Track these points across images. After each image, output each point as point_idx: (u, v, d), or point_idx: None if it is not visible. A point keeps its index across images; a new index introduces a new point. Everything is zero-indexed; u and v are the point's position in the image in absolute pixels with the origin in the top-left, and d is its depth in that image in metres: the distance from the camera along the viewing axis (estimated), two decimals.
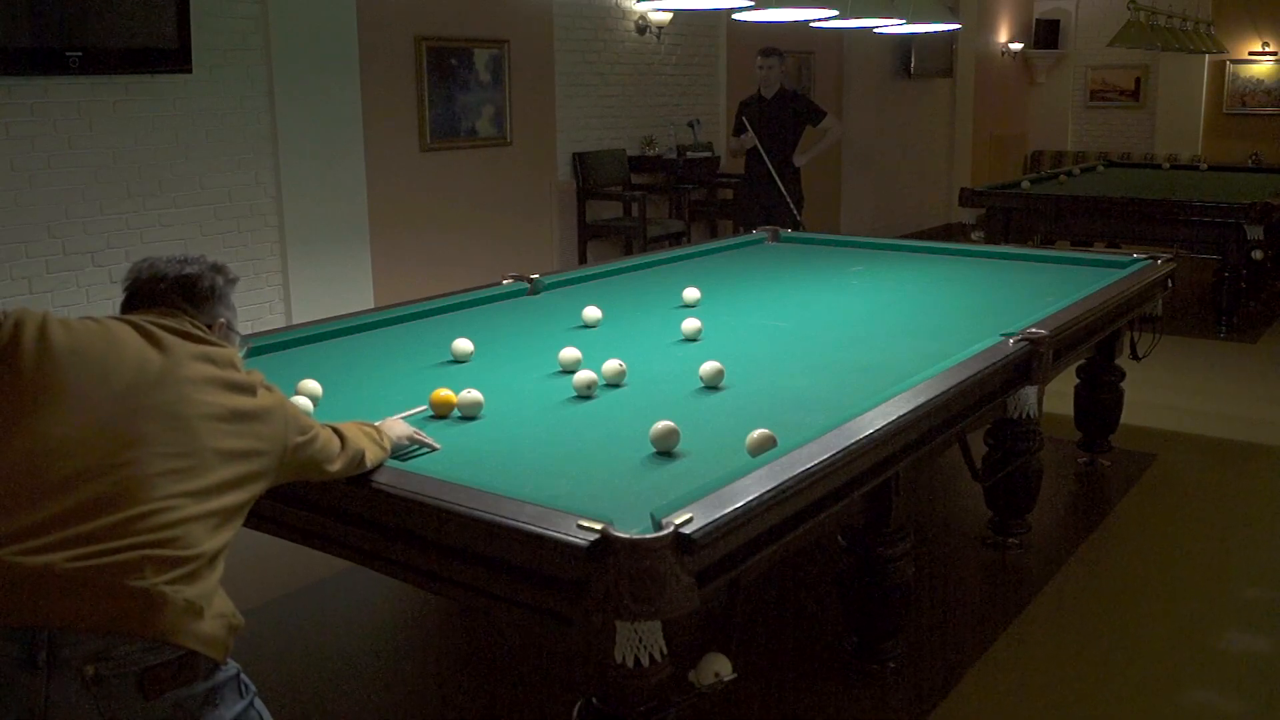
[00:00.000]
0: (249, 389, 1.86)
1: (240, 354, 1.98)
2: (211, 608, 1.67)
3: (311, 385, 2.81)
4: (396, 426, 2.37)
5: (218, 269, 2.01)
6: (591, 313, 3.62)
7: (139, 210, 4.81)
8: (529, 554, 1.94)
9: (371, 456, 2.18)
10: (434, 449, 2.40)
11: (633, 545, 1.81)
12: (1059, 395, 4.38)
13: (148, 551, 1.60)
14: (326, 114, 5.57)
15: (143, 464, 1.65)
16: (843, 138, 8.69)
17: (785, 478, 2.13)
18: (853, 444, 2.34)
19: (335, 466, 2.07)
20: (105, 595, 1.55)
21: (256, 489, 1.85)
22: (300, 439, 1.95)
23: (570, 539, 1.85)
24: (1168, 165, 9.94)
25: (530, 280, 4.16)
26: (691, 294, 3.92)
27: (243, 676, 1.74)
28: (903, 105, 11.06)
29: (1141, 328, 4.43)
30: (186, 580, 1.64)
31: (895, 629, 2.97)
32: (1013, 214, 7.41)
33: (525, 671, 3.10)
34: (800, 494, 2.17)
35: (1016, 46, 12.69)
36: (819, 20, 5.42)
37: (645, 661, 1.86)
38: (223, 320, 2.00)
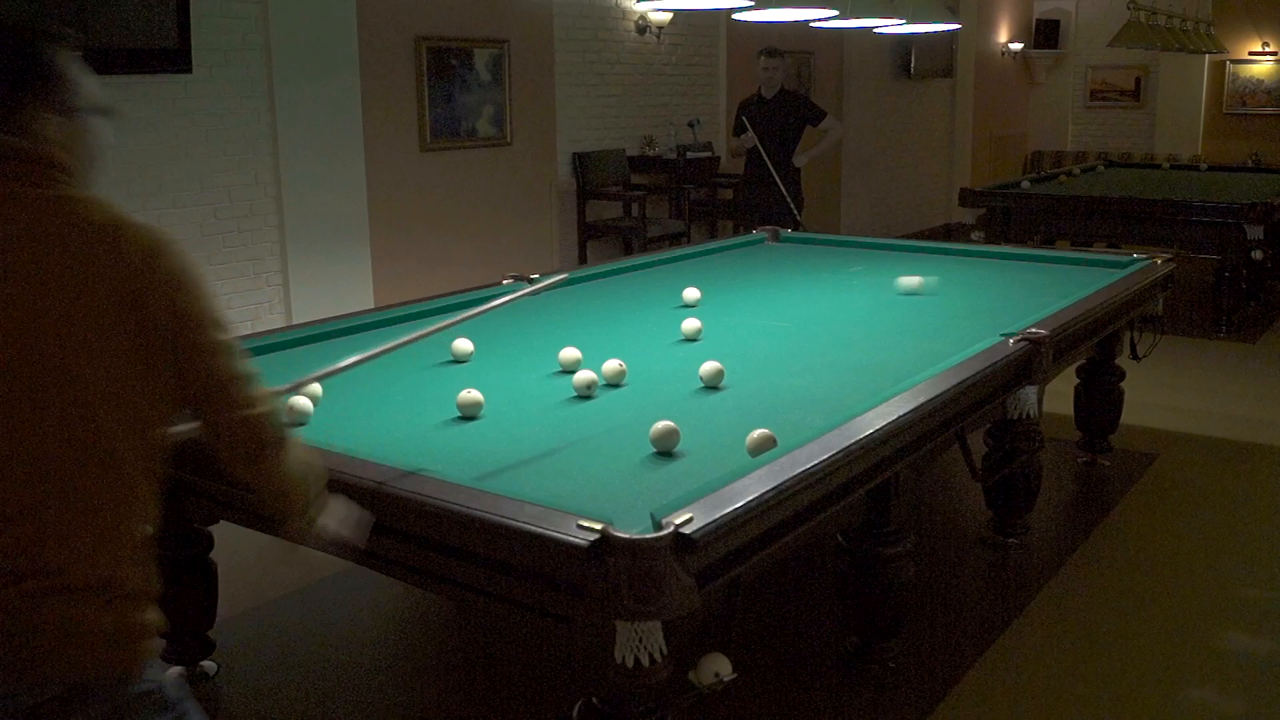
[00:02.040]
0: None
1: None
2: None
3: (312, 385, 2.81)
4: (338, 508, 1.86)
5: None
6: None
7: (139, 210, 4.80)
8: (529, 554, 1.94)
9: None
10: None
11: (633, 545, 1.81)
12: (1059, 395, 4.38)
13: None
14: (326, 114, 5.57)
15: None
16: (843, 138, 8.69)
17: (785, 478, 2.13)
18: (853, 444, 2.34)
19: None
20: None
21: None
22: None
23: (570, 539, 1.85)
24: (1168, 165, 9.94)
25: (530, 280, 4.15)
26: (691, 294, 3.92)
27: (166, 690, 1.52)
28: (903, 105, 11.06)
29: (1142, 328, 4.43)
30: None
31: (895, 629, 2.97)
32: (1013, 214, 7.41)
33: (525, 671, 3.10)
34: (800, 494, 2.17)
35: (1016, 46, 12.69)
36: (819, 20, 5.42)
37: (645, 661, 1.86)
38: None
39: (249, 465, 1.60)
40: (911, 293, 2.84)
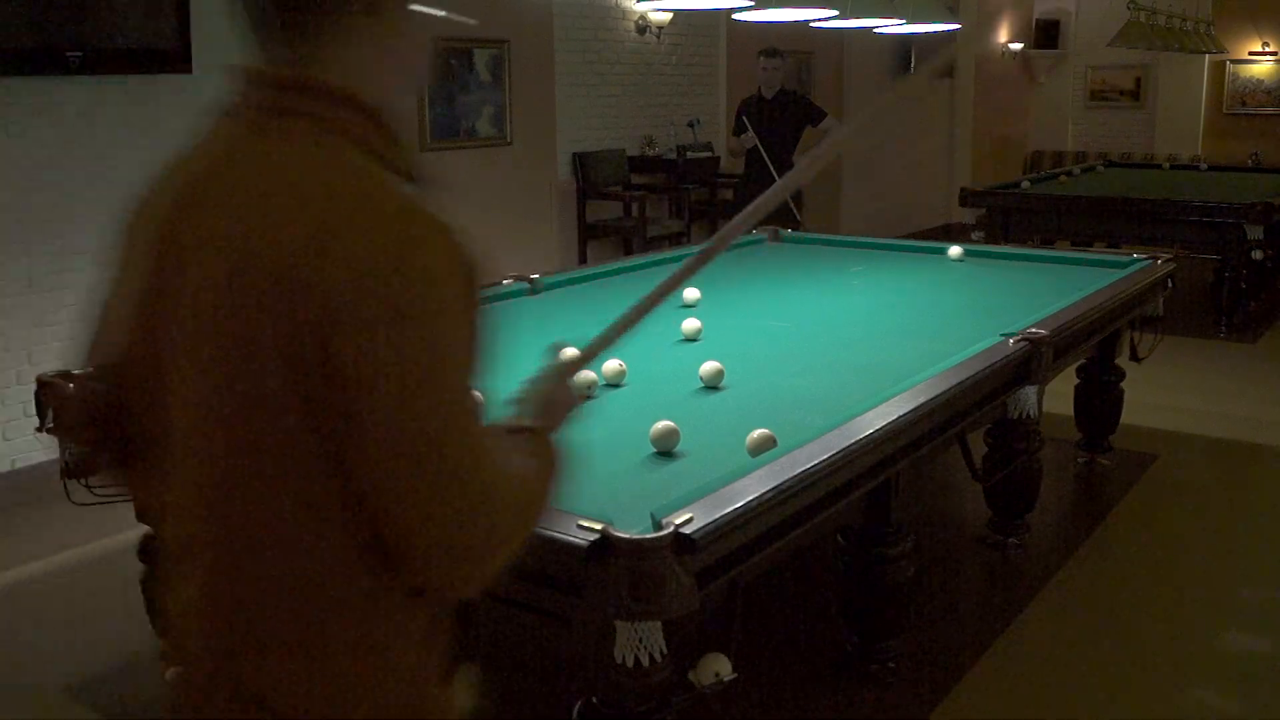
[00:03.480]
0: None
1: None
2: None
3: None
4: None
5: None
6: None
7: None
8: (529, 554, 1.94)
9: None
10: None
11: (633, 545, 1.81)
12: (1059, 395, 4.38)
13: None
14: None
15: None
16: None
17: (785, 478, 2.13)
18: (853, 444, 2.34)
19: None
20: None
21: None
22: None
23: (570, 539, 1.85)
24: (1168, 165, 9.94)
25: (530, 280, 4.15)
26: (691, 294, 3.92)
27: None
28: (903, 105, 11.05)
29: (1142, 328, 4.43)
30: None
31: (895, 629, 2.97)
32: (1013, 214, 7.41)
33: (525, 671, 3.10)
34: (800, 494, 2.17)
35: (1016, 46, 12.69)
36: (819, 20, 5.42)
37: (645, 661, 1.86)
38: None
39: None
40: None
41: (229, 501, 1.09)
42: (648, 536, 1.82)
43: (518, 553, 1.17)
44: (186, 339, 1.10)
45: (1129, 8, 8.88)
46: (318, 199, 1.04)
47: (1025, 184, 8.06)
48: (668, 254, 5.11)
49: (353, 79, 1.13)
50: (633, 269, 4.66)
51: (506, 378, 3.19)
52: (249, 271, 1.04)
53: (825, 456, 2.24)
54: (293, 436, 1.04)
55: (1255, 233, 6.69)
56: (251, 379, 1.04)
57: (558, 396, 1.40)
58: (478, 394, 1.15)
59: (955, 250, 4.94)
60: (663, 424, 2.42)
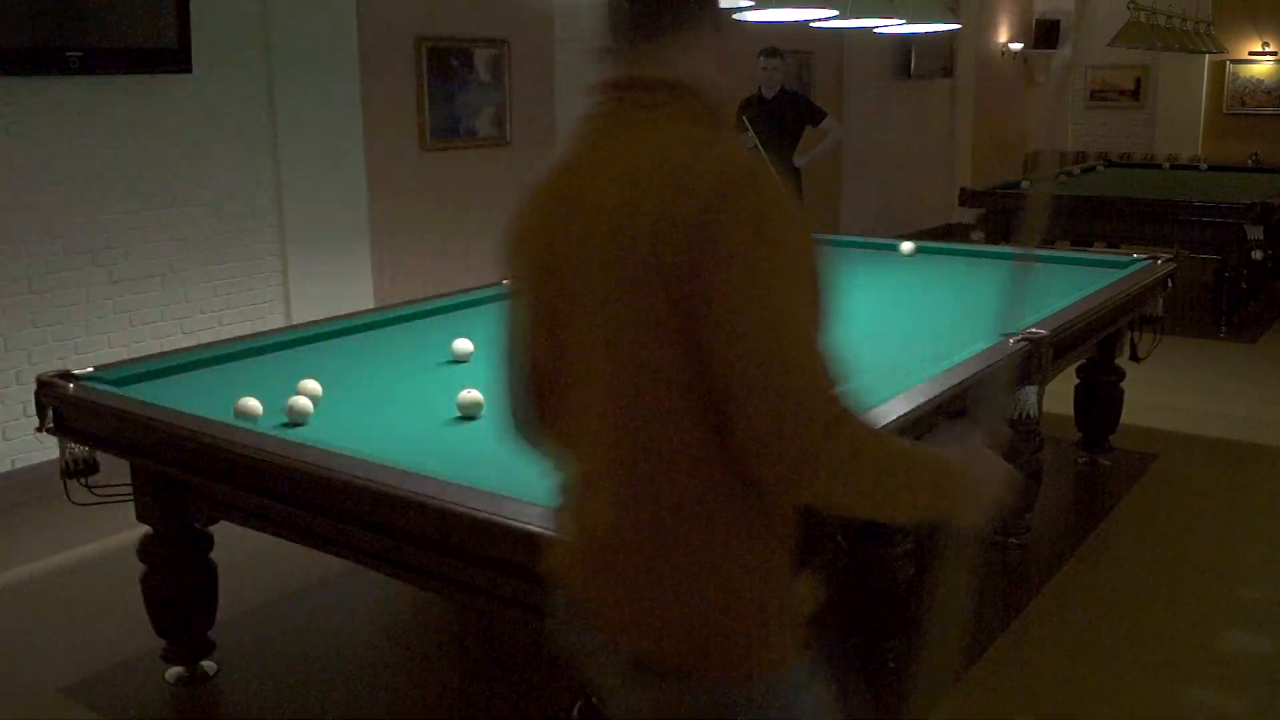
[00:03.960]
0: None
1: None
2: None
3: (311, 385, 2.81)
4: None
5: None
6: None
7: (139, 210, 4.81)
8: (529, 554, 1.94)
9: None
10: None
11: None
12: (1059, 395, 4.38)
13: None
14: (326, 114, 5.56)
15: None
16: (843, 138, 8.68)
17: None
18: None
19: None
20: None
21: None
22: None
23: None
24: (1168, 165, 9.94)
25: None
26: None
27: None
28: (903, 105, 11.05)
29: (1142, 328, 4.43)
30: None
31: (895, 629, 2.97)
32: (1013, 214, 7.41)
33: (525, 671, 3.10)
34: None
35: (1016, 46, 12.69)
36: (819, 20, 5.42)
37: None
38: None
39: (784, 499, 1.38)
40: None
41: (629, 418, 1.33)
42: None
43: (862, 510, 1.36)
44: (587, 292, 1.35)
45: (1129, 8, 8.88)
46: (702, 169, 1.28)
47: (1025, 184, 8.06)
48: None
49: (688, 70, 1.40)
50: None
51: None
52: (638, 231, 1.27)
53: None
54: (674, 360, 1.28)
55: (1255, 233, 6.68)
56: (641, 313, 1.29)
57: (992, 467, 1.48)
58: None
59: (907, 246, 5.03)
60: None
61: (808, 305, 1.29)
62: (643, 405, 1.32)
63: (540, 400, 1.50)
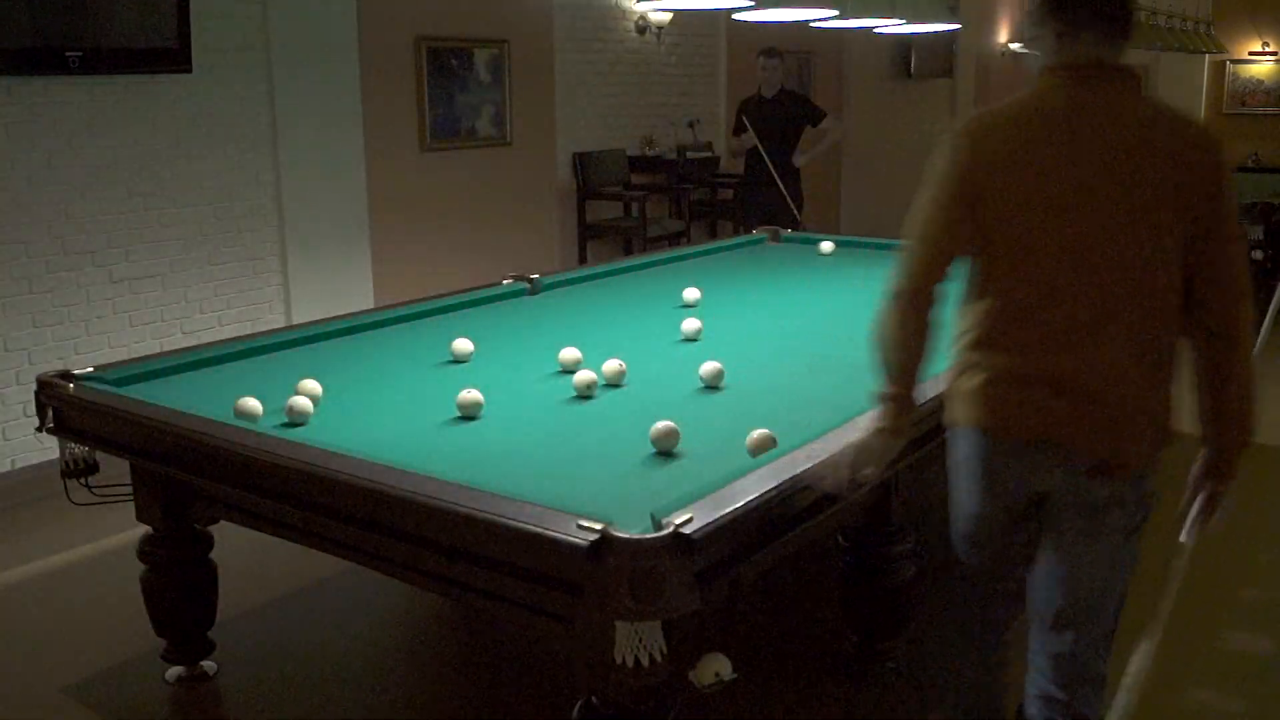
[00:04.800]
0: None
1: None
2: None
3: (311, 385, 2.81)
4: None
5: None
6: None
7: (139, 210, 4.81)
8: (529, 554, 1.94)
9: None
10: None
11: (633, 545, 1.81)
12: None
13: None
14: (326, 114, 5.56)
15: None
16: (843, 138, 8.70)
17: (785, 478, 2.13)
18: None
19: None
20: None
21: None
22: None
23: (570, 539, 1.85)
24: None
25: (530, 280, 4.16)
26: (691, 294, 3.92)
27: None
28: (903, 105, 11.05)
29: None
30: None
31: (896, 629, 2.97)
32: None
33: (525, 671, 3.10)
34: (800, 494, 2.17)
35: (1016, 46, 12.69)
36: (819, 20, 5.42)
37: (645, 661, 1.86)
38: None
39: (1227, 350, 2.06)
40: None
41: (1141, 274, 1.96)
42: (648, 536, 1.83)
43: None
44: (1105, 185, 1.95)
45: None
46: (1182, 118, 2.00)
47: None
48: (668, 254, 5.11)
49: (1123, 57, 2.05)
50: (633, 269, 4.66)
51: (507, 377, 3.21)
52: (1153, 151, 1.95)
53: (825, 457, 2.24)
54: (1171, 233, 1.95)
55: (1255, 233, 6.69)
56: (1155, 203, 1.94)
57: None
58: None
59: (826, 245, 5.06)
60: (663, 424, 2.42)
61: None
62: (1153, 262, 1.95)
63: (939, 272, 2.07)
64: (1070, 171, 1.95)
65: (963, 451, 2.18)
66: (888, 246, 5.25)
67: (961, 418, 2.14)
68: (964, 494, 2.20)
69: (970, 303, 2.10)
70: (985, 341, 2.06)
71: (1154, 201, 1.93)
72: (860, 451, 2.15)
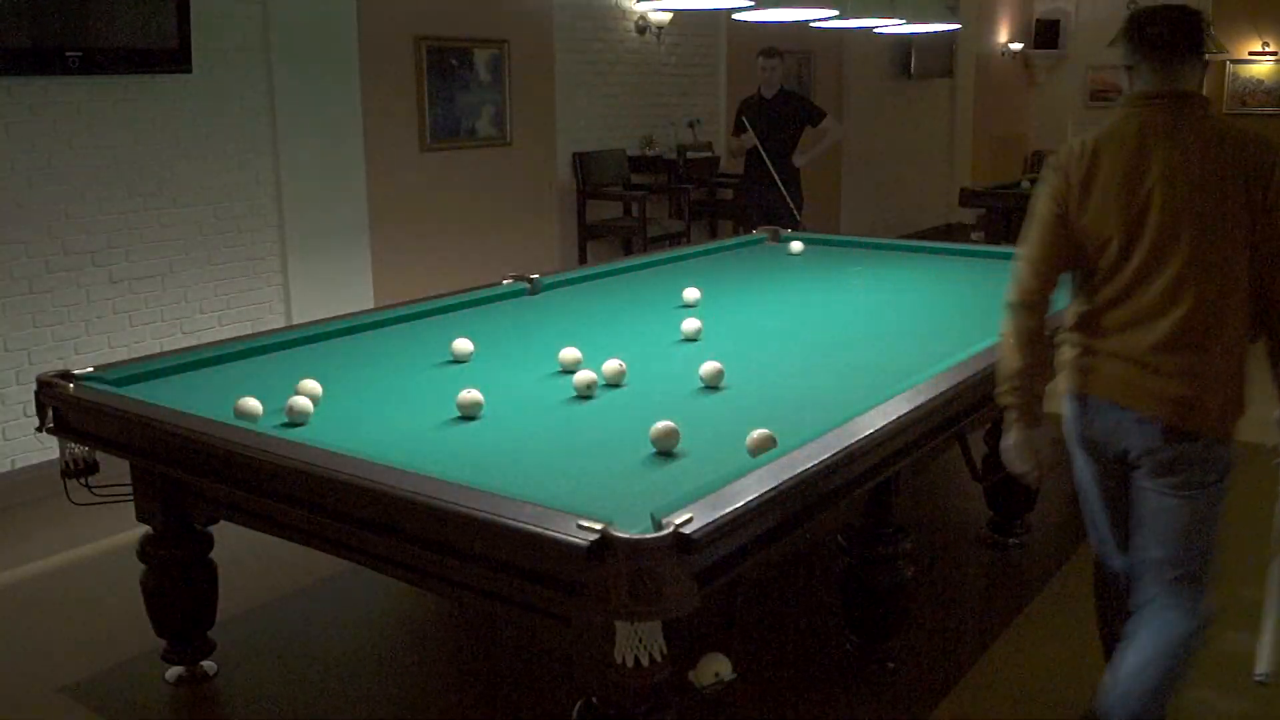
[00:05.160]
0: None
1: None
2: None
3: (311, 385, 2.81)
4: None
5: None
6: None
7: (139, 210, 4.81)
8: (529, 554, 1.94)
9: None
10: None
11: (633, 545, 1.81)
12: (1059, 395, 4.37)
13: None
14: (326, 114, 5.56)
15: None
16: (842, 138, 8.71)
17: (785, 478, 2.13)
18: (853, 444, 2.34)
19: None
20: None
21: None
22: None
23: (570, 539, 1.85)
24: None
25: (530, 280, 4.16)
26: (691, 294, 3.92)
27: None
28: (903, 105, 11.06)
29: None
30: None
31: (895, 629, 2.97)
32: (1013, 214, 7.40)
33: (525, 671, 3.10)
34: (800, 494, 2.17)
35: (1016, 46, 12.69)
36: (819, 20, 5.43)
37: (645, 661, 1.86)
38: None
39: None
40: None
41: (1209, 249, 2.24)
42: (648, 536, 1.83)
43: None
44: (1180, 185, 2.25)
45: (1128, 8, 8.88)
46: (1244, 130, 2.31)
47: (1025, 184, 8.06)
48: (667, 254, 5.11)
49: (1197, 85, 2.37)
50: (633, 269, 4.66)
51: (507, 377, 3.20)
52: (1222, 162, 2.25)
53: (825, 456, 2.24)
54: (1238, 220, 2.24)
55: None
56: (1224, 195, 2.24)
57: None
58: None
59: (796, 245, 5.11)
60: (663, 424, 2.42)
61: None
62: (1228, 255, 2.25)
63: (1045, 284, 2.41)
64: (1140, 188, 2.27)
65: (1067, 415, 2.53)
66: (887, 246, 5.26)
67: (1064, 386, 2.51)
68: (1077, 466, 2.56)
69: (1072, 299, 2.48)
70: (1079, 326, 2.44)
71: (1220, 197, 2.23)
72: (1007, 453, 2.52)
